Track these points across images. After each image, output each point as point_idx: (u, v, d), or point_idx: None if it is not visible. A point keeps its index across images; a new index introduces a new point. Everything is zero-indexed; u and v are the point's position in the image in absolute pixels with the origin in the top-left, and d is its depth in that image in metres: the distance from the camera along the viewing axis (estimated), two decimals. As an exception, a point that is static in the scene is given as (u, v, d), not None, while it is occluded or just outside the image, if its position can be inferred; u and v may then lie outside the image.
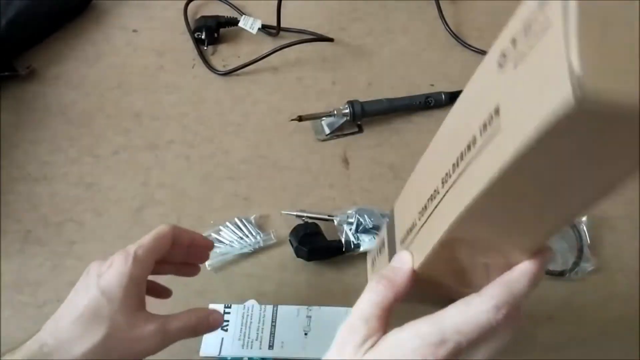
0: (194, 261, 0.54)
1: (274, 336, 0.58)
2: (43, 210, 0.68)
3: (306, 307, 0.60)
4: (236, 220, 0.66)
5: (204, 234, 0.65)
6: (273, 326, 0.59)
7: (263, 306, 0.60)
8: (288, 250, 0.64)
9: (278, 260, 0.64)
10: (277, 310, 0.60)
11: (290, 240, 0.64)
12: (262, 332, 0.58)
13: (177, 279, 0.62)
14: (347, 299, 0.61)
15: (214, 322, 0.48)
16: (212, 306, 0.60)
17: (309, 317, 0.59)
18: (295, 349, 0.57)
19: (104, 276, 0.44)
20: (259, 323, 0.59)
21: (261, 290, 0.62)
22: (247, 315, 0.59)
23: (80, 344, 0.41)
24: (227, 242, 0.64)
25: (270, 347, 0.57)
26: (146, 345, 0.43)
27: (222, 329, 0.58)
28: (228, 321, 0.59)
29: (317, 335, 0.58)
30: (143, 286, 0.45)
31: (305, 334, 0.58)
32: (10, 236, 0.65)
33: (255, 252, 0.64)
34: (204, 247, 0.53)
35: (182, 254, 0.50)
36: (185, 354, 0.57)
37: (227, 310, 0.60)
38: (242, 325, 0.59)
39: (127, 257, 0.44)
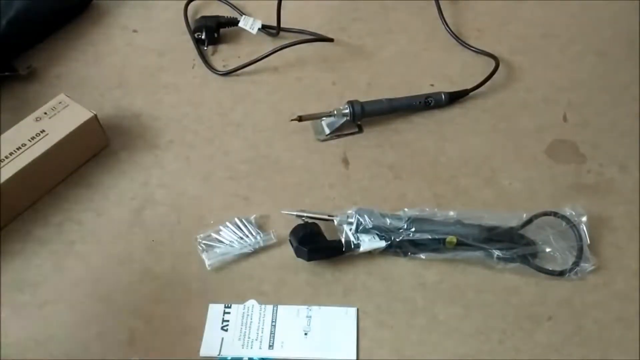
0: None
1: (274, 336, 0.58)
2: (43, 210, 0.68)
3: (306, 306, 0.60)
4: (236, 220, 0.66)
5: (204, 234, 0.65)
6: (273, 326, 0.59)
7: (263, 306, 0.60)
8: (288, 250, 0.64)
9: (278, 260, 0.64)
10: (277, 310, 0.60)
11: (290, 240, 0.64)
12: (262, 332, 0.58)
13: (177, 280, 0.62)
14: (347, 298, 0.61)
15: None
16: (212, 306, 0.60)
17: (309, 317, 0.59)
18: (295, 349, 0.57)
19: None
20: (259, 323, 0.59)
21: (261, 290, 0.62)
22: (247, 315, 0.59)
23: None
24: (227, 242, 0.64)
25: (270, 347, 0.57)
26: None
27: (222, 329, 0.58)
28: (228, 321, 0.59)
29: (316, 335, 0.58)
30: None
31: (305, 333, 0.58)
32: (10, 236, 0.65)
33: (255, 252, 0.64)
34: None
35: None
36: (185, 354, 0.57)
37: (227, 310, 0.60)
38: (242, 325, 0.59)
39: None
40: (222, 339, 0.58)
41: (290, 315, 0.59)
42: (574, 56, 0.86)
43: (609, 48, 0.87)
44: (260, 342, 0.58)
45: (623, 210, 0.69)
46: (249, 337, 0.58)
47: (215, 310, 0.60)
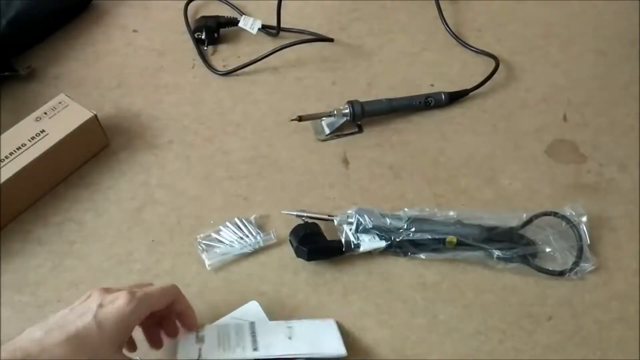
0: (173, 326, 0.53)
1: (256, 341, 0.55)
2: (43, 210, 0.68)
3: (285, 322, 0.57)
4: (236, 220, 0.66)
5: (204, 234, 0.65)
6: (253, 335, 0.55)
7: (238, 324, 0.57)
8: (288, 250, 0.64)
9: (278, 260, 0.64)
10: (254, 325, 0.56)
11: (290, 240, 0.64)
12: (242, 340, 0.55)
13: (178, 278, 0.62)
14: (347, 298, 0.61)
15: None
16: (182, 339, 0.55)
17: (290, 327, 0.57)
18: (282, 348, 0.54)
19: (105, 308, 0.45)
20: (237, 336, 0.55)
21: (261, 290, 0.62)
22: (224, 333, 0.55)
23: None
24: (227, 242, 0.64)
25: (255, 349, 0.54)
26: None
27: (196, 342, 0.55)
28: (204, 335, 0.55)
29: (301, 338, 0.56)
30: (132, 330, 0.46)
31: (289, 338, 0.56)
32: (10, 236, 0.65)
33: (255, 252, 0.64)
34: (189, 321, 0.53)
35: (169, 315, 0.51)
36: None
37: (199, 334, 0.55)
38: (218, 343, 0.55)
39: (131, 299, 0.46)
40: (200, 349, 0.53)
41: (269, 328, 0.57)
42: (574, 56, 0.86)
43: (609, 48, 0.87)
44: (243, 347, 0.54)
45: (623, 210, 0.69)
46: (229, 344, 0.54)
47: (186, 343, 0.54)
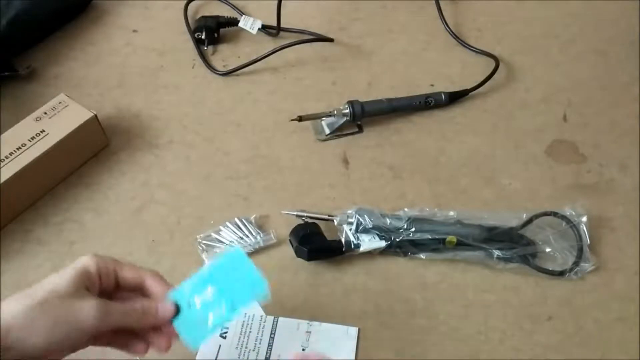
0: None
1: (271, 348, 0.57)
2: (43, 210, 0.68)
3: (307, 321, 0.59)
4: (236, 220, 0.66)
5: (204, 234, 0.65)
6: (272, 338, 0.58)
7: (264, 316, 0.59)
8: (288, 250, 0.64)
9: (278, 260, 0.64)
10: (277, 322, 0.59)
11: (290, 240, 0.64)
12: (260, 343, 0.57)
13: (178, 278, 0.62)
14: (347, 298, 0.61)
15: (163, 314, 0.47)
16: None
17: (309, 332, 0.58)
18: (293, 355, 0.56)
19: None
20: (258, 333, 0.58)
21: (261, 290, 0.62)
22: (247, 324, 0.59)
23: (17, 301, 0.42)
24: (227, 242, 0.64)
25: (267, 359, 0.56)
26: (83, 317, 0.43)
27: (220, 336, 0.57)
28: (228, 328, 0.58)
29: (316, 342, 0.57)
30: (95, 280, 0.47)
31: (303, 349, 0.57)
32: (10, 236, 0.65)
33: (255, 252, 0.64)
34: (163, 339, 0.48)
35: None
36: (182, 356, 0.57)
37: None
38: (241, 334, 0.58)
39: (96, 255, 0.48)
40: (220, 346, 0.57)
41: (290, 329, 0.58)
42: (574, 56, 0.86)
43: (609, 48, 0.87)
44: (257, 352, 0.57)
45: (623, 210, 0.69)
46: (246, 347, 0.57)
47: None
